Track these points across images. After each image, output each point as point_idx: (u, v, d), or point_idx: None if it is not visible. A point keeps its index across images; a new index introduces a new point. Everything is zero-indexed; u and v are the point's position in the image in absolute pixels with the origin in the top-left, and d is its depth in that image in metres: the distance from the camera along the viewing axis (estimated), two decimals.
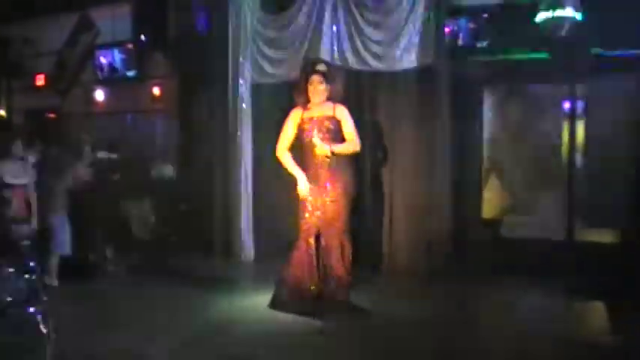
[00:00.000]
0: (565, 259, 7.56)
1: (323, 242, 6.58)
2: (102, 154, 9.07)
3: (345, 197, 6.55)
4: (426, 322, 6.34)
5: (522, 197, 8.65)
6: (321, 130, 6.53)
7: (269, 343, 5.78)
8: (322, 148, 6.44)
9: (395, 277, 8.02)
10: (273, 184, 8.84)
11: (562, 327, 6.18)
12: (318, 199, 6.54)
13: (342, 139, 6.59)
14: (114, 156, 9.67)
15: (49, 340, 5.45)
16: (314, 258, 6.60)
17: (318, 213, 6.55)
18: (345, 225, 6.55)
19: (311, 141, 6.53)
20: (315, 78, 6.55)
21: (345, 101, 6.69)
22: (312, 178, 6.58)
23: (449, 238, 8.03)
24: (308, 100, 6.62)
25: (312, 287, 6.61)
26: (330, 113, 6.55)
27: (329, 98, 6.59)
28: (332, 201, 6.52)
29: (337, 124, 6.55)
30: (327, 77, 6.56)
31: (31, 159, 7.98)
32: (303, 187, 6.56)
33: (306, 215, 6.60)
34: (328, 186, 6.53)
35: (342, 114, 6.56)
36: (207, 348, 5.63)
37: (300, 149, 6.71)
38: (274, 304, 6.70)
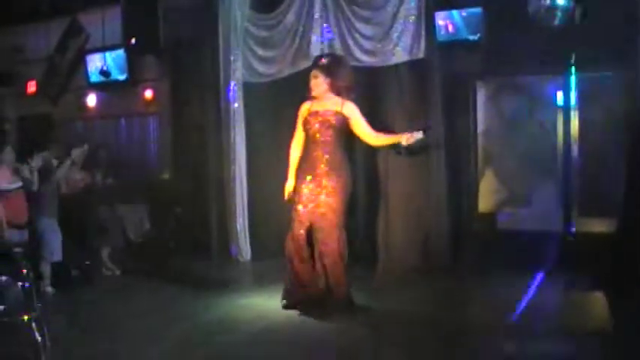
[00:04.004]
0: (563, 249, 7.54)
1: (317, 236, 6.53)
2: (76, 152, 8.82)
3: (341, 192, 6.50)
4: (425, 317, 6.30)
5: (519, 189, 8.59)
6: (323, 124, 6.51)
7: (266, 341, 5.76)
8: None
9: (393, 274, 7.97)
10: (269, 183, 8.81)
11: (562, 319, 6.16)
12: (314, 192, 6.52)
13: (347, 136, 6.65)
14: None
15: (44, 348, 5.41)
16: (305, 250, 6.57)
17: (311, 206, 6.51)
18: (341, 220, 6.51)
19: (314, 134, 6.56)
20: (312, 72, 6.63)
21: (352, 95, 6.67)
22: (309, 171, 6.56)
23: (446, 232, 8.00)
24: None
25: (307, 281, 6.60)
26: (336, 109, 6.55)
27: (333, 92, 6.59)
28: (327, 195, 6.48)
29: (343, 120, 6.54)
30: (325, 70, 6.57)
31: (35, 164, 7.86)
32: (286, 190, 6.71)
33: (299, 207, 6.57)
34: (324, 180, 6.50)
35: (350, 111, 6.56)
36: (205, 349, 5.60)
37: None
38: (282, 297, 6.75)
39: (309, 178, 6.55)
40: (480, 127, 8.50)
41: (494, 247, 7.92)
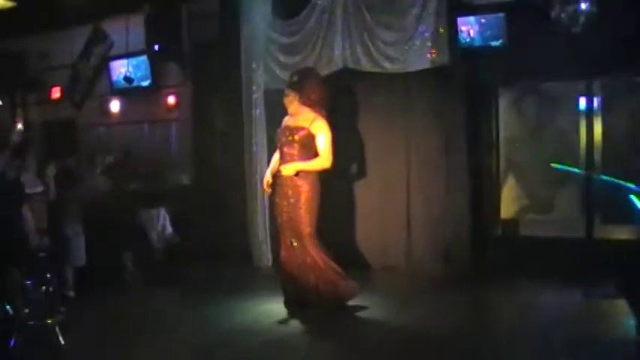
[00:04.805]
0: (585, 256, 7.48)
1: (297, 247, 6.70)
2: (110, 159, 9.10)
3: (305, 204, 6.65)
4: (446, 326, 6.26)
5: (541, 195, 8.54)
6: (288, 138, 6.73)
7: (289, 347, 5.78)
8: (286, 170, 6.65)
9: (414, 280, 7.96)
10: None
11: (585, 327, 6.11)
12: (283, 203, 6.76)
13: (314, 152, 6.71)
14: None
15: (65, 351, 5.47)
16: (290, 257, 6.75)
17: (284, 217, 6.77)
18: (311, 230, 6.64)
19: (281, 148, 6.82)
20: (285, 91, 6.88)
21: (323, 107, 6.80)
22: (277, 183, 6.84)
23: (468, 239, 7.97)
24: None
25: (291, 285, 6.81)
26: (305, 125, 6.67)
27: (307, 106, 6.74)
28: (293, 206, 6.67)
29: (309, 136, 6.64)
30: (294, 88, 6.78)
31: (50, 172, 8.06)
32: (264, 179, 6.99)
33: (278, 220, 6.90)
34: (290, 191, 6.69)
35: (318, 128, 6.69)
36: (228, 355, 5.64)
37: None
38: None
39: (278, 189, 6.81)
40: (502, 134, 8.47)
41: (517, 254, 7.89)
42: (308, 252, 6.63)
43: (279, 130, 6.94)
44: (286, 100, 6.83)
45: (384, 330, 6.21)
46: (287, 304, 6.87)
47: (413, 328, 6.21)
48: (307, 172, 6.67)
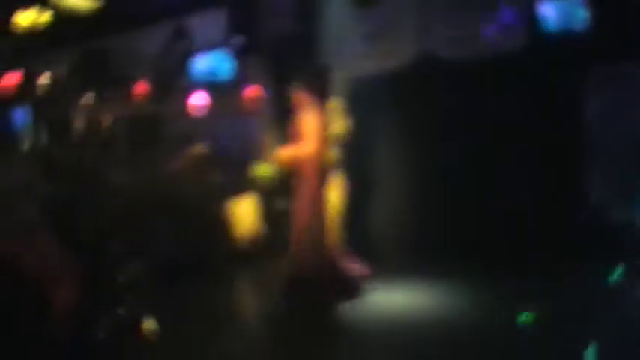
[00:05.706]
0: None
1: None
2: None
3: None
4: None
5: (630, 182, 8.35)
6: (293, 132, 6.83)
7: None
8: (277, 157, 6.90)
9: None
10: (367, 182, 8.85)
11: None
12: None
13: None
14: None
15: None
16: None
17: None
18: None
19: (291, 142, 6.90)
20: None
21: (321, 98, 6.86)
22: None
23: (553, 227, 7.86)
24: None
25: None
26: (301, 116, 6.77)
27: (306, 97, 6.82)
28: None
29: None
30: (299, 83, 6.93)
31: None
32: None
33: None
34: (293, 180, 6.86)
35: (306, 117, 6.72)
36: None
37: None
38: None
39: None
40: (587, 118, 8.32)
41: (604, 243, 7.74)
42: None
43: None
44: (292, 96, 6.93)
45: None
46: None
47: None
48: (303, 161, 6.70)
